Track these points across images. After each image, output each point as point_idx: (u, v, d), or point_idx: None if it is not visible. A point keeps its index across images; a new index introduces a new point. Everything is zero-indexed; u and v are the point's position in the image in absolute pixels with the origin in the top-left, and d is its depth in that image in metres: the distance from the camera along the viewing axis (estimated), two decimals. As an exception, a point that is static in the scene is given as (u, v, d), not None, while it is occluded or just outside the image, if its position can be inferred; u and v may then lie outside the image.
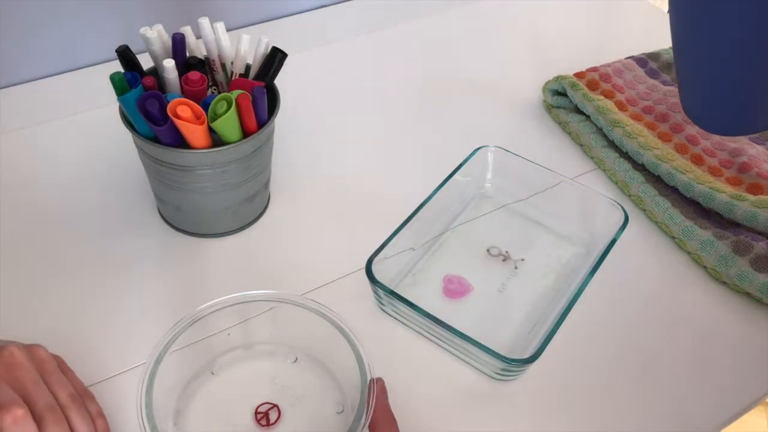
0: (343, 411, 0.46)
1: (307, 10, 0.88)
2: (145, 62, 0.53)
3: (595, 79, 0.71)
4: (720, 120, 0.49)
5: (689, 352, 0.53)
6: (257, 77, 0.54)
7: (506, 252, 0.58)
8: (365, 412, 0.41)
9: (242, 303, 0.46)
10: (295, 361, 0.49)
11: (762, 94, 0.45)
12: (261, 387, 0.47)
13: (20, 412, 0.37)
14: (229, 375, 0.48)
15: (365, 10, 0.89)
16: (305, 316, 0.46)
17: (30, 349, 0.43)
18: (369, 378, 0.42)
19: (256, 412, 0.46)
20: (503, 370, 0.47)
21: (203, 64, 0.53)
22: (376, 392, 0.42)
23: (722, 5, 0.40)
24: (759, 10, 0.38)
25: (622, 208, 0.56)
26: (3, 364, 0.40)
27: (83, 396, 0.43)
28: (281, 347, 0.49)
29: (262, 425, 0.45)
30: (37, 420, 0.38)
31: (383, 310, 0.53)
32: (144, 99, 0.47)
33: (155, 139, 0.50)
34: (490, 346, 0.46)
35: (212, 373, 0.48)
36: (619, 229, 0.55)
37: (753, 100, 0.46)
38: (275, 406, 0.46)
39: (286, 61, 0.53)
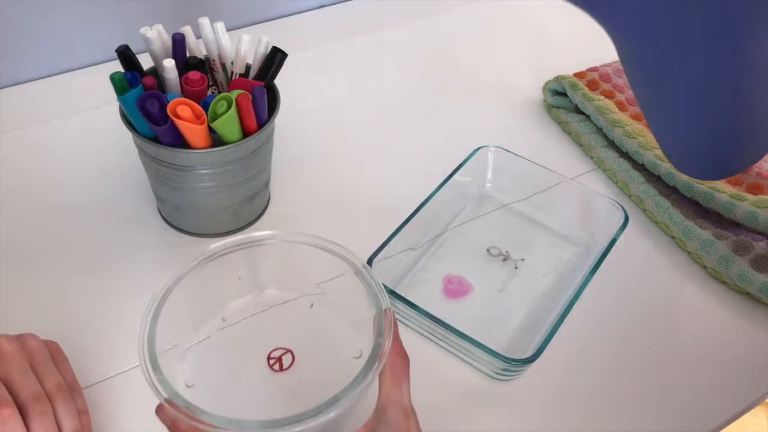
0: (360, 356, 0.45)
1: (307, 10, 0.88)
2: (145, 62, 0.53)
3: (595, 79, 0.71)
4: (700, 167, 0.50)
5: (689, 352, 0.53)
6: (257, 77, 0.54)
7: (506, 252, 0.58)
8: (385, 338, 0.39)
9: (253, 245, 0.45)
10: (311, 306, 0.47)
11: (733, 141, 0.46)
12: (273, 332, 0.46)
13: (7, 411, 0.37)
14: (240, 320, 0.47)
15: (365, 10, 0.89)
16: (319, 257, 0.44)
17: (21, 339, 0.43)
18: (385, 306, 0.41)
19: (269, 358, 0.45)
20: (503, 370, 0.47)
21: (203, 64, 0.53)
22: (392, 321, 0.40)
23: (674, 75, 0.40)
24: (708, 71, 0.38)
25: (622, 208, 0.56)
26: None
27: (71, 389, 0.43)
28: (295, 292, 0.48)
29: (275, 370, 0.44)
30: (22, 410, 0.38)
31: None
32: (144, 99, 0.47)
33: (155, 139, 0.50)
34: (490, 346, 0.46)
35: (223, 320, 0.47)
36: (619, 229, 0.55)
37: (726, 148, 0.47)
38: (289, 351, 0.45)
39: (286, 61, 0.53)
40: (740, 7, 0.35)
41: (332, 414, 0.36)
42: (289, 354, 0.45)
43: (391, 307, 0.41)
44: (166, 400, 0.36)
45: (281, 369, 0.45)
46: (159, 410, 0.38)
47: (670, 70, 0.41)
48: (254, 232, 0.45)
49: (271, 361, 0.45)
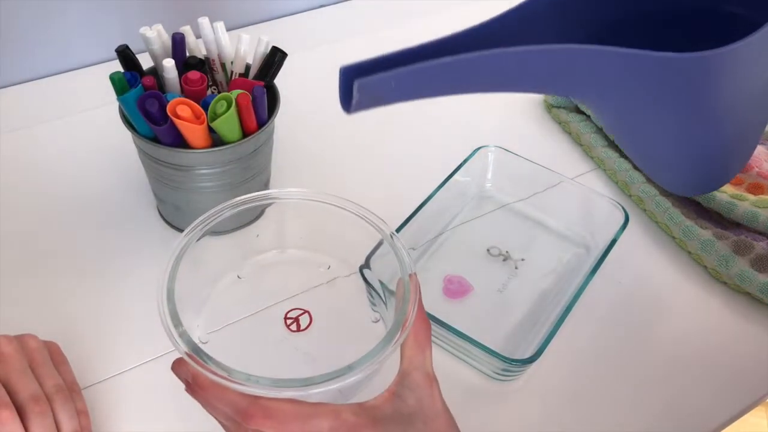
0: (378, 321, 0.44)
1: (307, 10, 0.87)
2: (145, 62, 0.53)
3: (596, 79, 0.71)
4: (683, 188, 0.52)
5: (689, 352, 0.53)
6: (257, 77, 0.54)
7: (506, 252, 0.58)
8: (410, 304, 0.38)
9: (274, 201, 0.44)
10: (329, 268, 0.46)
11: (711, 167, 0.48)
12: (291, 292, 0.45)
13: (6, 413, 0.37)
14: (257, 278, 0.46)
15: (365, 10, 0.89)
16: (343, 220, 0.43)
17: (20, 339, 0.43)
18: (411, 271, 0.40)
19: (286, 317, 0.44)
20: (503, 370, 0.47)
21: (203, 64, 0.53)
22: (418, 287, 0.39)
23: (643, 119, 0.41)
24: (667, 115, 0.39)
25: (623, 208, 0.56)
26: None
27: (71, 389, 0.43)
28: (315, 253, 0.47)
29: (293, 330, 0.44)
30: (20, 410, 0.38)
31: (377, 312, 0.53)
32: (144, 99, 0.47)
33: (155, 139, 0.50)
34: (490, 346, 0.46)
35: (238, 277, 0.46)
36: (620, 229, 0.55)
37: (704, 173, 0.48)
38: (306, 312, 0.44)
39: (286, 61, 0.53)
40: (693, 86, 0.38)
41: (358, 377, 0.35)
42: (306, 315, 0.44)
43: (416, 272, 0.40)
44: (187, 353, 0.35)
45: (298, 329, 0.43)
46: (177, 365, 0.38)
47: (641, 129, 0.43)
48: (277, 189, 0.43)
49: (288, 321, 0.44)
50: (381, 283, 0.49)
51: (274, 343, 0.44)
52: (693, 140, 0.45)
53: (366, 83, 0.33)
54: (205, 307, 0.44)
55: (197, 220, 0.41)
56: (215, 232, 0.57)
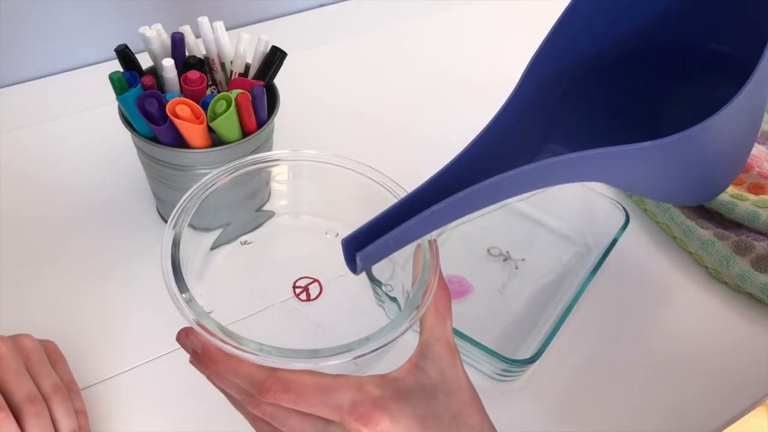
0: (393, 289, 0.42)
1: (307, 10, 0.87)
2: (145, 62, 0.52)
3: (596, 79, 0.71)
4: (672, 198, 0.54)
5: (690, 353, 0.52)
6: (257, 76, 0.53)
7: (507, 252, 0.58)
8: (431, 272, 0.37)
9: (282, 162, 0.41)
10: (336, 235, 0.44)
11: (704, 185, 0.49)
12: (299, 260, 0.43)
13: (1, 415, 0.37)
14: (262, 245, 0.43)
15: (365, 10, 0.89)
16: (351, 182, 0.41)
17: (15, 339, 0.42)
18: (431, 236, 0.38)
19: (295, 286, 0.42)
20: (504, 370, 0.47)
21: (202, 64, 0.53)
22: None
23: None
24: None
25: (623, 208, 0.56)
26: None
27: (69, 388, 0.42)
28: (325, 219, 0.44)
29: (302, 300, 0.42)
30: (16, 411, 0.38)
31: (382, 308, 0.53)
32: (143, 98, 0.47)
33: (154, 139, 0.50)
34: (490, 347, 0.46)
35: (241, 243, 0.43)
36: (620, 229, 0.55)
37: (698, 190, 0.50)
38: (315, 280, 0.42)
39: (286, 61, 0.53)
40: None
41: (378, 348, 0.33)
42: (316, 284, 0.42)
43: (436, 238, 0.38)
44: (196, 321, 0.33)
45: (308, 299, 0.42)
46: (183, 335, 0.35)
47: (635, 184, 0.46)
48: (275, 151, 0.41)
49: (297, 290, 0.42)
50: (382, 284, 0.49)
51: (282, 313, 0.41)
52: (686, 178, 0.46)
53: (367, 253, 0.35)
54: (207, 274, 0.41)
55: (199, 183, 0.38)
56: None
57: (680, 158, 0.39)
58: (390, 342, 0.34)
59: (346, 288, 0.42)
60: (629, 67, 0.49)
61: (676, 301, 0.56)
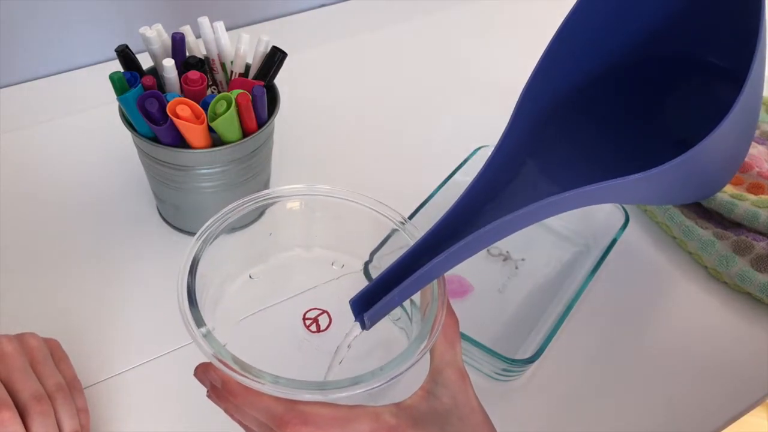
0: (400, 318, 0.43)
1: (307, 10, 0.87)
2: (145, 62, 0.52)
3: (596, 79, 0.71)
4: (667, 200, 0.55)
5: (689, 353, 0.53)
6: (257, 77, 0.53)
7: (507, 252, 0.58)
8: (439, 302, 0.38)
9: (289, 197, 0.42)
10: (342, 267, 0.45)
11: (701, 187, 0.50)
12: (308, 292, 0.44)
13: (7, 414, 0.37)
14: (270, 278, 0.44)
15: (365, 10, 0.89)
16: (359, 215, 0.42)
17: (20, 338, 0.43)
18: None
19: (305, 318, 0.43)
20: (504, 370, 0.47)
21: (203, 64, 0.53)
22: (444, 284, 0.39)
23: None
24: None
25: (623, 208, 0.56)
26: None
27: (71, 387, 0.42)
28: (335, 252, 0.46)
29: (312, 332, 0.43)
30: (22, 410, 0.38)
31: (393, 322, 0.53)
32: (143, 98, 0.47)
33: (155, 139, 0.50)
34: (490, 347, 0.46)
35: (250, 277, 0.44)
36: (620, 229, 0.55)
37: (696, 192, 0.50)
38: (325, 312, 0.43)
39: (286, 61, 0.53)
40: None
41: (386, 382, 0.34)
42: (325, 315, 0.43)
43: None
44: (215, 357, 0.34)
45: (318, 330, 0.42)
46: (201, 370, 0.36)
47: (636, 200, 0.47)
48: (277, 187, 0.42)
49: (307, 322, 0.43)
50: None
51: (293, 345, 0.42)
52: (682, 188, 0.47)
53: (373, 312, 0.36)
54: (219, 308, 0.42)
55: (212, 219, 0.40)
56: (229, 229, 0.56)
57: (673, 179, 0.40)
58: (402, 372, 0.35)
59: (353, 319, 0.43)
60: (618, 82, 0.49)
61: (676, 300, 0.56)
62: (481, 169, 0.41)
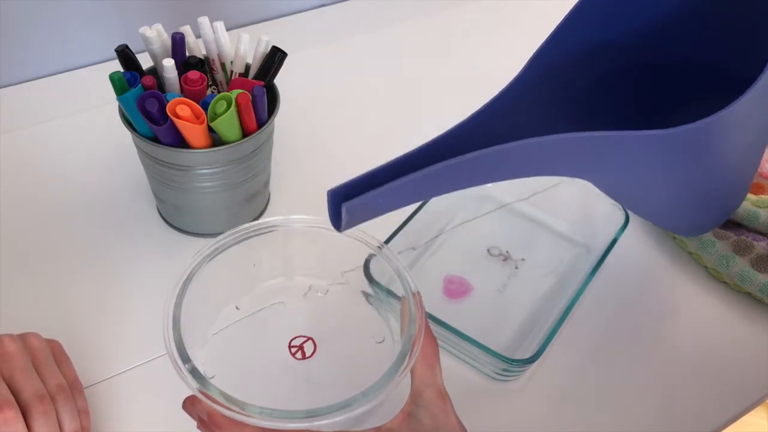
0: (383, 341, 0.44)
1: (307, 10, 0.87)
2: (145, 62, 0.52)
3: (596, 79, 0.71)
4: (674, 228, 0.56)
5: (690, 353, 0.53)
6: (257, 77, 0.53)
7: (507, 252, 0.58)
8: (417, 325, 0.39)
9: (261, 232, 0.44)
10: (326, 293, 0.47)
11: (703, 217, 0.49)
12: (292, 320, 0.45)
13: (10, 413, 0.37)
14: (255, 308, 0.46)
15: (365, 10, 0.89)
16: (338, 242, 0.43)
17: (23, 338, 0.43)
18: (414, 289, 0.40)
19: (290, 346, 0.44)
20: (504, 370, 0.47)
21: (203, 64, 0.53)
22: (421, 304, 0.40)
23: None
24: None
25: (623, 208, 0.56)
26: None
27: (72, 388, 0.43)
28: (311, 278, 0.47)
29: (298, 359, 0.44)
30: (24, 409, 0.38)
31: (378, 312, 0.53)
32: (143, 98, 0.47)
33: (155, 139, 0.50)
34: (490, 347, 0.46)
35: (237, 308, 0.46)
36: (620, 229, 0.55)
37: (696, 214, 0.50)
38: (310, 338, 0.44)
39: (286, 61, 0.53)
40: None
41: (369, 405, 0.35)
42: (310, 342, 0.44)
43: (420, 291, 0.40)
44: (199, 390, 0.35)
45: (304, 357, 0.44)
46: (188, 403, 0.37)
47: (639, 193, 0.45)
48: (262, 219, 0.44)
49: (293, 350, 0.44)
50: (382, 285, 0.49)
51: (280, 372, 0.44)
52: (688, 193, 0.47)
53: (353, 205, 0.34)
54: (206, 340, 0.44)
55: (196, 252, 0.41)
56: (216, 234, 0.57)
57: (687, 157, 0.39)
58: (384, 395, 0.36)
59: (338, 344, 0.45)
60: (630, 78, 0.49)
61: (676, 300, 0.56)
62: (487, 103, 0.40)
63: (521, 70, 0.42)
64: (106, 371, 0.48)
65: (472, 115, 0.40)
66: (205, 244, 0.42)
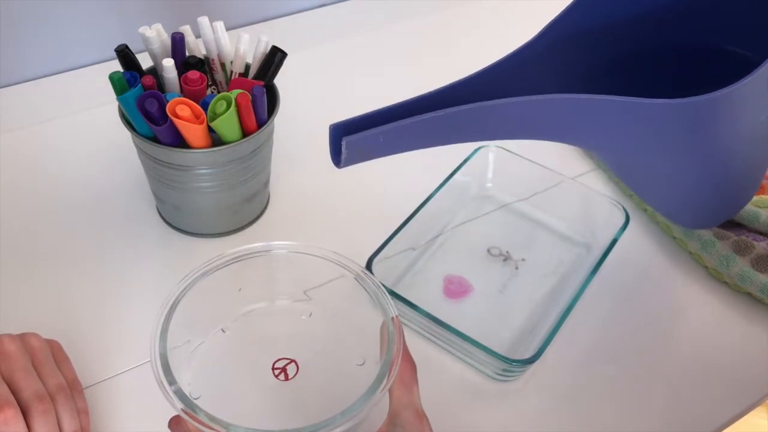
0: (364, 363, 0.45)
1: (307, 10, 0.87)
2: (145, 62, 0.52)
3: (596, 79, 0.71)
4: (685, 220, 0.56)
5: (690, 353, 0.53)
6: (257, 77, 0.53)
7: (507, 252, 0.58)
8: (395, 348, 0.40)
9: (246, 257, 0.45)
10: (310, 315, 0.48)
11: (712, 206, 0.49)
12: (276, 342, 0.47)
13: (10, 412, 0.37)
14: (241, 330, 0.47)
15: (365, 10, 0.89)
16: (318, 265, 0.45)
17: (23, 338, 0.43)
18: (393, 314, 0.41)
19: (273, 368, 0.45)
20: (504, 370, 0.47)
21: (202, 64, 0.53)
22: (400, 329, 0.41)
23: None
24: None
25: (623, 208, 0.56)
26: None
27: (72, 388, 0.43)
28: (296, 302, 0.48)
29: (281, 380, 0.45)
30: (24, 409, 0.39)
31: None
32: (143, 98, 0.47)
33: (154, 139, 0.50)
34: (490, 347, 0.46)
35: (222, 330, 0.47)
36: (620, 229, 0.55)
37: (706, 205, 0.50)
38: (293, 361, 0.45)
39: (286, 61, 0.53)
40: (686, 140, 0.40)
41: (348, 424, 0.36)
42: (293, 364, 0.45)
43: (398, 314, 0.42)
44: (183, 410, 0.36)
45: (287, 379, 0.45)
46: (174, 423, 0.38)
47: (646, 171, 0.45)
48: (247, 245, 0.45)
49: (276, 371, 0.45)
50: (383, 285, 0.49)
51: (264, 394, 0.45)
52: (696, 179, 0.46)
53: (354, 140, 0.34)
54: (193, 361, 0.45)
55: (184, 277, 0.42)
56: (216, 233, 0.57)
57: (698, 137, 0.38)
58: (363, 415, 0.37)
59: (320, 366, 0.46)
60: (639, 64, 0.48)
61: (676, 301, 0.56)
62: (495, 62, 0.40)
63: (531, 39, 0.42)
64: (106, 371, 0.48)
65: (479, 71, 0.39)
66: (191, 270, 0.43)
